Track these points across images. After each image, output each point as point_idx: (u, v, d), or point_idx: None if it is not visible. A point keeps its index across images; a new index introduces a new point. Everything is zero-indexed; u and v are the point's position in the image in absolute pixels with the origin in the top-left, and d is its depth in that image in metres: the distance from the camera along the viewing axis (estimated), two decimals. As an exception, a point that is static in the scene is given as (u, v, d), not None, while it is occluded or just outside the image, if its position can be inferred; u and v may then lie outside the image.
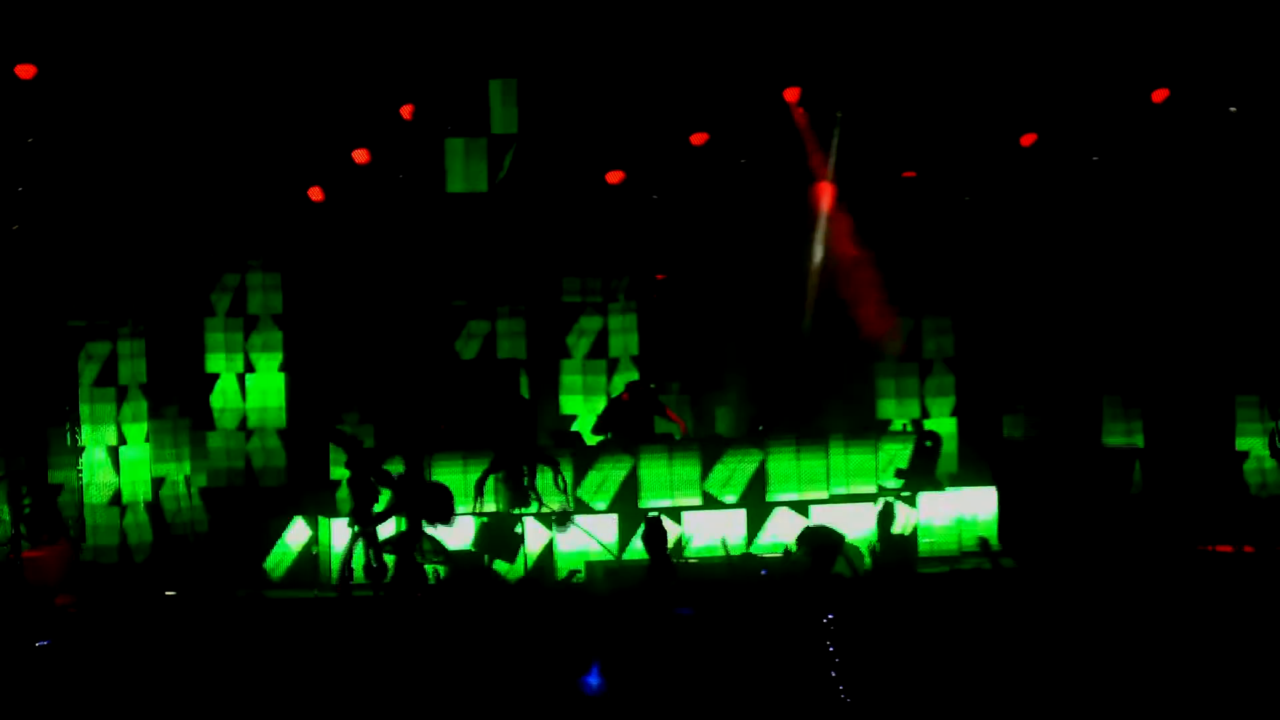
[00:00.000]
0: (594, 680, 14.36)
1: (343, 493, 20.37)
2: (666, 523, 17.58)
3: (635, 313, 24.27)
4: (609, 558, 20.54)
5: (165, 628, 17.54)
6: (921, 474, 21.86)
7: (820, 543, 15.82)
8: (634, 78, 23.21)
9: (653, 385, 23.03)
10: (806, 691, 14.15)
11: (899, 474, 21.77)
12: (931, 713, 14.15)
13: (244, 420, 23.53)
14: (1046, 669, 14.86)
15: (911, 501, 21.53)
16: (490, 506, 20.49)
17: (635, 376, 23.81)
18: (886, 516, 20.06)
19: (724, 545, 20.23)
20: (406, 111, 23.37)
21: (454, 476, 20.44)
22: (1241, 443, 23.75)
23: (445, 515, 18.72)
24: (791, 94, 23.74)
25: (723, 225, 24.04)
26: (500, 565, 20.17)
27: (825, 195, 23.99)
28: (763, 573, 18.67)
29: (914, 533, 21.45)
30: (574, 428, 23.60)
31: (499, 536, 20.32)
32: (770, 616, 15.12)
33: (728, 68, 23.02)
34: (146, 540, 22.62)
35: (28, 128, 22.50)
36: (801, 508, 21.34)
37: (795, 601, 14.99)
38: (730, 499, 21.38)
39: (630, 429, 21.84)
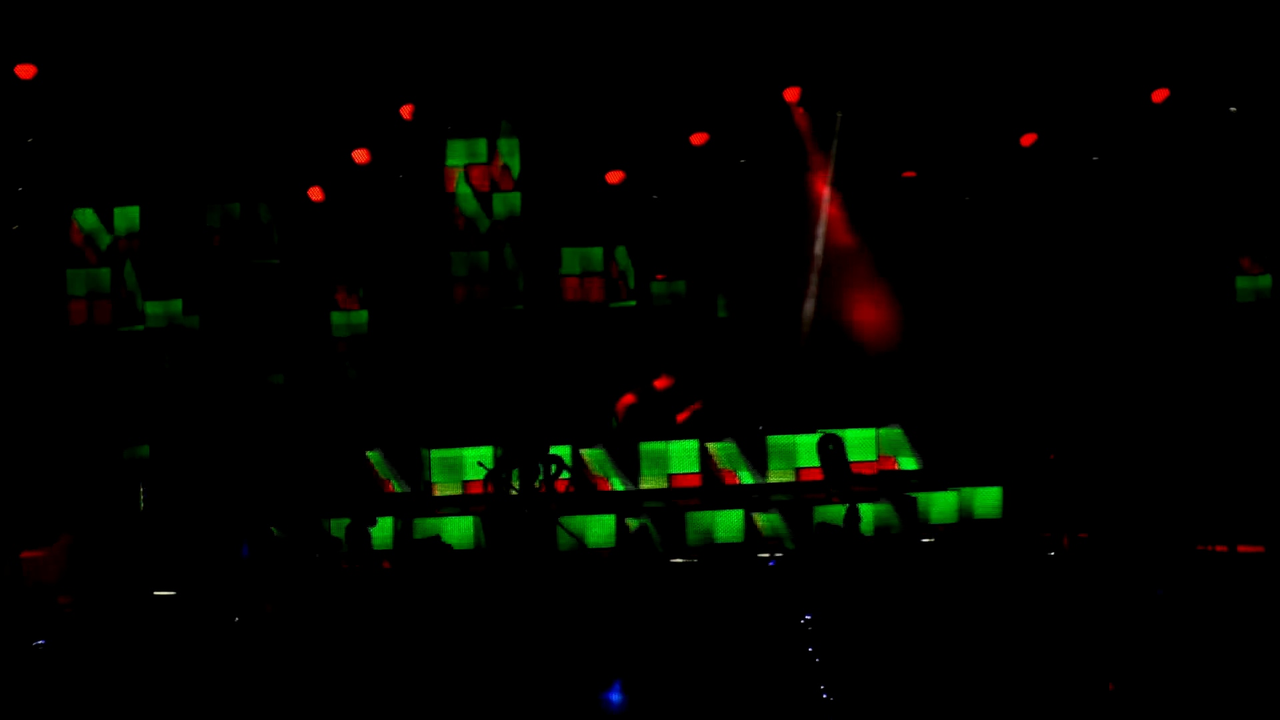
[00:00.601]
0: (615, 697, 14.39)
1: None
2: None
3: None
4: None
5: (164, 627, 17.54)
6: (836, 478, 21.91)
7: (825, 535, 16.19)
8: (634, 77, 23.23)
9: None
10: (795, 686, 14.18)
11: (822, 483, 21.84)
12: (930, 710, 14.15)
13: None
14: (1048, 668, 14.86)
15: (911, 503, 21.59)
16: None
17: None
18: (853, 518, 20.20)
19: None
20: (406, 111, 23.38)
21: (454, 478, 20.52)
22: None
23: None
24: (791, 94, 23.74)
25: (723, 225, 24.02)
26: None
27: (825, 195, 23.98)
28: (770, 564, 18.75)
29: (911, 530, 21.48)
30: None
31: (505, 525, 20.34)
32: (765, 610, 15.19)
33: (728, 68, 23.02)
34: (145, 538, 22.63)
35: (28, 128, 22.53)
36: (803, 505, 21.37)
37: (790, 593, 15.06)
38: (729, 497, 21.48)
39: (652, 420, 22.02)
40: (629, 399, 22.72)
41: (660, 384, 22.62)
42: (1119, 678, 14.65)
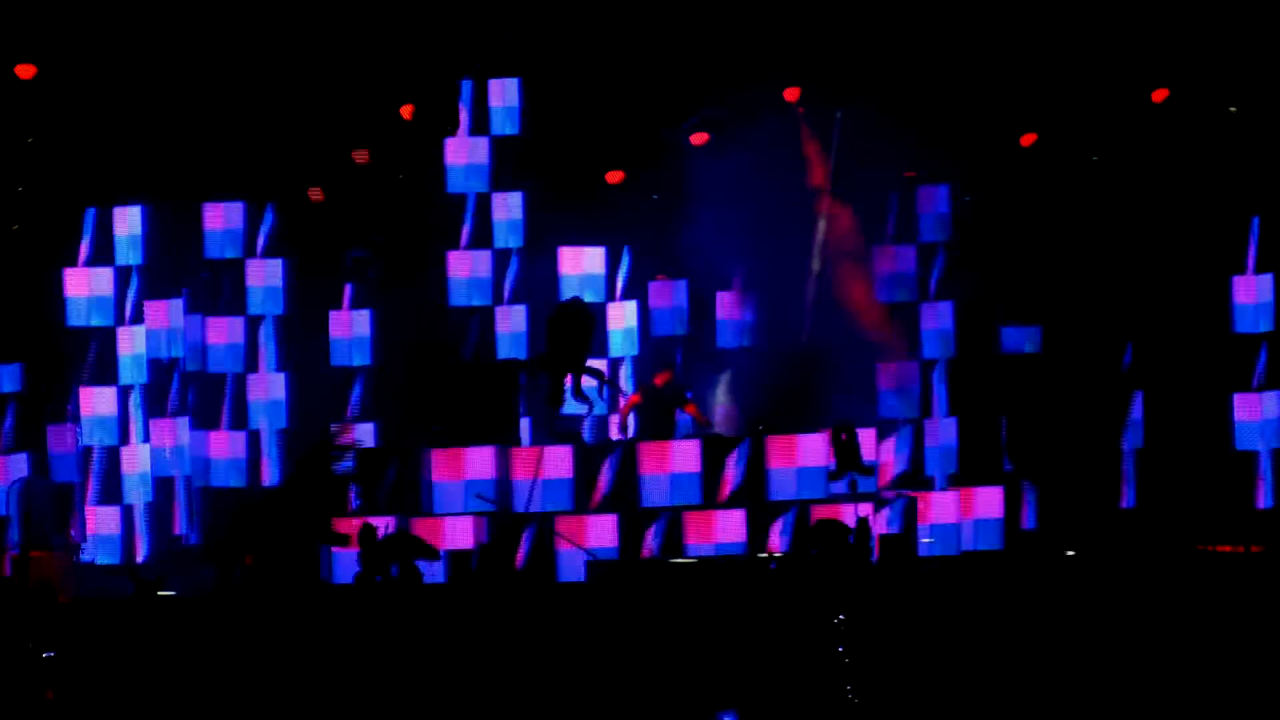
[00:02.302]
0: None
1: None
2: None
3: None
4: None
5: (164, 628, 17.54)
6: (851, 468, 21.85)
7: (827, 537, 16.17)
8: (634, 78, 23.26)
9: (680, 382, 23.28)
10: (815, 688, 14.19)
11: (830, 474, 21.79)
12: (934, 711, 14.17)
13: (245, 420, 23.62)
14: (1049, 668, 14.88)
15: (912, 503, 21.56)
16: None
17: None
18: (863, 532, 20.19)
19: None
20: (406, 111, 23.40)
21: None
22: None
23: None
24: (791, 94, 23.75)
25: (722, 225, 24.03)
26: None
27: (825, 195, 24.00)
28: (771, 566, 18.75)
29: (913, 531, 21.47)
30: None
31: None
32: (776, 612, 15.19)
33: (728, 67, 23.05)
34: (146, 540, 22.66)
35: (28, 128, 22.55)
36: (801, 507, 21.35)
37: (801, 596, 15.05)
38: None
39: (654, 417, 22.03)
40: (634, 399, 22.73)
41: (659, 383, 22.63)
42: (1122, 676, 14.68)
